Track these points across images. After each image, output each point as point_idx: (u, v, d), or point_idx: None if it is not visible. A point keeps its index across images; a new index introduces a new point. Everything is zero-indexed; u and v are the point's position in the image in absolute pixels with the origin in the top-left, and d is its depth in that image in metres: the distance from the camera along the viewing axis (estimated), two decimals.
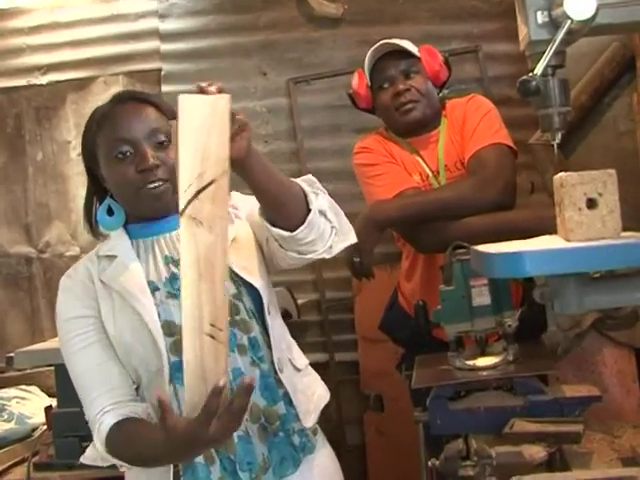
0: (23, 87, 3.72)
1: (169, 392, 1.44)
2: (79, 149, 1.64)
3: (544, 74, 1.35)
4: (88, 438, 1.51)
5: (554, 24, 1.34)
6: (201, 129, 1.13)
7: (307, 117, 3.51)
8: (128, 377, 1.50)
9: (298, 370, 1.61)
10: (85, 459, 1.52)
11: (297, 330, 3.40)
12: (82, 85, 3.66)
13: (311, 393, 1.61)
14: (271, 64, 3.54)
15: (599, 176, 1.24)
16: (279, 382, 1.53)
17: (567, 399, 1.64)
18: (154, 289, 1.49)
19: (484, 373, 1.74)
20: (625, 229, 1.25)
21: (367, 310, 3.14)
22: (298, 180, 1.45)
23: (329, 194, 1.50)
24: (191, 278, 1.14)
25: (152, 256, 1.54)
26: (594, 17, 1.30)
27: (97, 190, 1.58)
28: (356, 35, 3.39)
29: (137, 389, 1.52)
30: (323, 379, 1.70)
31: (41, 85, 3.70)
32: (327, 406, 1.65)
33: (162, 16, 3.60)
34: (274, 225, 1.39)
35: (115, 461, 1.45)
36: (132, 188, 1.47)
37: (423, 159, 2.25)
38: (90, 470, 1.69)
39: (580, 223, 1.23)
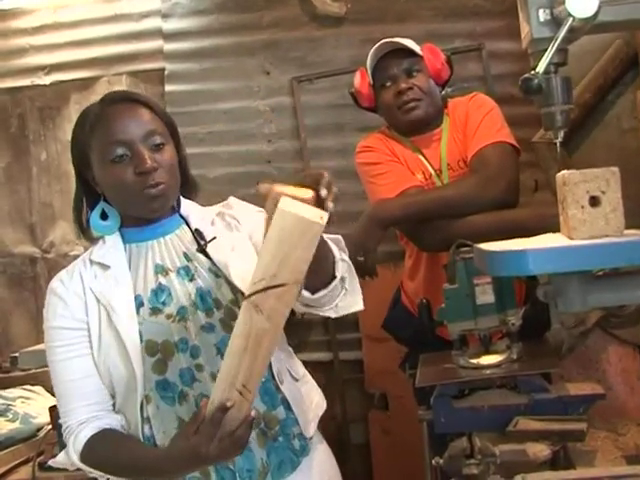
0: (27, 87, 3.74)
1: (137, 414, 1.45)
2: None
3: (546, 72, 1.35)
4: None
5: (556, 22, 1.33)
6: (288, 241, 1.14)
7: (310, 116, 3.51)
8: (107, 393, 1.50)
9: (296, 380, 1.60)
10: (55, 463, 1.53)
11: (301, 329, 3.43)
12: (86, 85, 3.67)
13: (310, 402, 1.61)
14: (274, 63, 3.54)
15: (602, 174, 1.24)
16: (278, 387, 1.53)
17: (571, 397, 1.63)
18: (139, 304, 1.49)
19: (488, 371, 1.73)
20: (628, 227, 1.25)
21: (371, 309, 3.11)
22: (329, 242, 1.38)
23: None
24: (237, 347, 1.22)
25: (143, 264, 1.53)
26: (596, 15, 1.30)
27: (87, 193, 1.56)
28: (359, 34, 3.39)
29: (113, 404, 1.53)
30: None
31: (44, 85, 3.72)
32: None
33: (165, 16, 3.61)
34: None
35: (88, 469, 1.47)
36: (130, 191, 1.45)
37: (426, 158, 2.25)
38: None
39: (583, 221, 1.23)
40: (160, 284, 1.51)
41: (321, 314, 1.45)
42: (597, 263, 1.19)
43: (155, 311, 1.49)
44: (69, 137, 1.56)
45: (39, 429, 2.60)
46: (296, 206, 1.12)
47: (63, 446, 1.51)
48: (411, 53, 2.22)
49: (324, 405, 1.68)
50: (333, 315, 1.46)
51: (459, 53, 3.21)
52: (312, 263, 1.17)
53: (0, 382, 2.98)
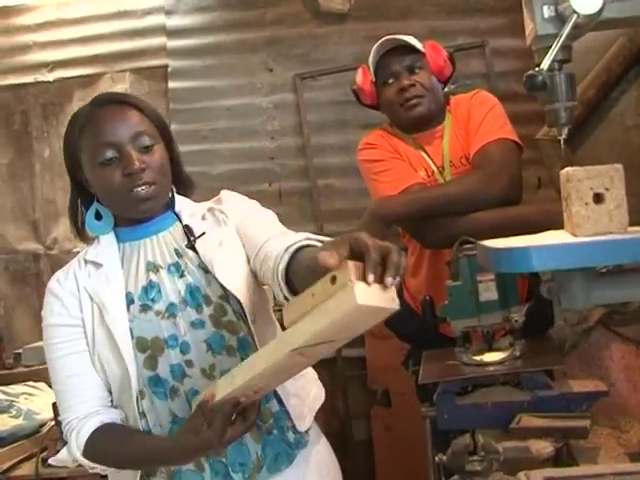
0: (30, 84, 3.74)
1: (134, 409, 1.47)
2: None
3: (550, 69, 1.35)
4: None
5: (560, 19, 1.33)
6: (356, 325, 1.12)
7: (313, 113, 3.51)
8: (106, 389, 1.52)
9: None
10: (55, 461, 1.55)
11: None
12: (89, 82, 3.68)
13: (306, 395, 1.61)
14: (277, 60, 3.55)
15: (606, 171, 1.24)
16: None
17: (574, 394, 1.63)
18: (130, 302, 1.50)
19: (491, 368, 1.74)
20: (632, 224, 1.25)
21: None
22: None
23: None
24: (266, 369, 1.22)
25: (135, 262, 1.54)
26: (600, 11, 1.29)
27: (82, 194, 1.58)
28: (362, 31, 3.40)
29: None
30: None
31: (48, 82, 3.73)
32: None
33: (168, 12, 3.61)
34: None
35: (90, 464, 1.48)
36: (118, 192, 1.46)
37: (428, 155, 2.24)
38: None
39: (587, 218, 1.23)
40: (150, 281, 1.52)
41: None
42: (601, 260, 1.19)
43: (145, 308, 1.49)
44: None
45: (42, 425, 2.61)
46: (370, 293, 1.02)
47: (66, 442, 1.52)
48: (413, 50, 2.22)
49: (322, 397, 1.67)
50: None
51: (462, 50, 3.22)
52: None
53: (3, 378, 2.99)
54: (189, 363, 1.47)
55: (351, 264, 1.01)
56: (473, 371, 1.75)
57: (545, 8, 1.35)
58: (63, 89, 3.71)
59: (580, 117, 3.01)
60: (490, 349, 1.79)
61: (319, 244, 1.30)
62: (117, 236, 1.58)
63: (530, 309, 1.75)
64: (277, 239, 1.43)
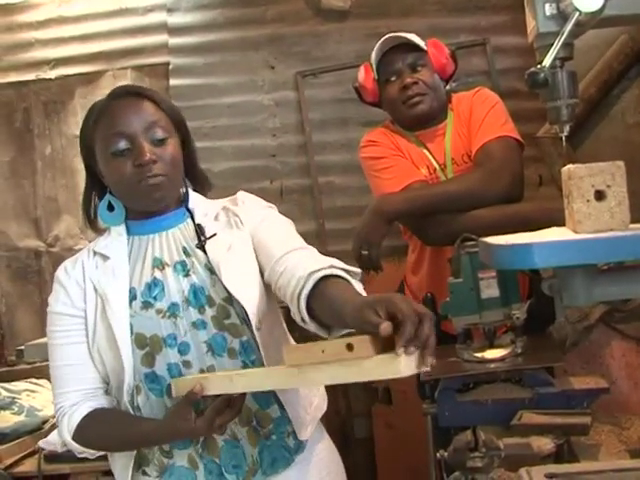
0: (32, 81, 3.74)
1: (127, 402, 1.49)
2: None
3: (552, 66, 1.35)
4: None
5: (562, 16, 1.33)
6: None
7: (315, 110, 3.51)
8: (102, 380, 1.54)
9: None
10: (45, 443, 1.57)
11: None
12: (90, 79, 3.67)
13: (308, 404, 1.59)
14: (279, 57, 3.55)
15: (607, 168, 1.24)
16: None
17: (575, 391, 1.64)
18: (132, 297, 1.50)
19: (492, 365, 1.73)
20: (633, 221, 1.25)
21: None
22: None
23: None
24: (267, 387, 1.34)
25: (142, 256, 1.55)
26: (602, 9, 1.29)
27: (96, 186, 1.58)
28: (363, 28, 3.39)
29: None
30: None
31: (50, 79, 3.72)
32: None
33: (170, 10, 3.61)
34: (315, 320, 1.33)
35: (80, 448, 1.51)
36: (129, 183, 1.47)
37: (430, 152, 2.25)
38: (101, 462, 1.71)
39: (588, 215, 1.23)
40: (155, 278, 1.51)
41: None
42: (602, 257, 1.19)
43: (146, 305, 1.50)
44: (74, 131, 1.58)
45: (44, 422, 2.60)
46: (406, 363, 1.14)
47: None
48: (416, 48, 2.22)
49: (324, 407, 1.66)
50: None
51: (464, 48, 3.21)
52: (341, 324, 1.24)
53: (6, 375, 3.00)
54: (187, 364, 1.48)
55: (369, 340, 1.10)
56: (474, 368, 1.75)
57: (547, 5, 1.35)
58: (65, 86, 3.70)
59: (581, 115, 3.01)
60: (491, 346, 1.79)
61: (342, 273, 1.33)
62: (128, 229, 1.58)
63: (531, 306, 1.75)
64: (297, 256, 1.43)
